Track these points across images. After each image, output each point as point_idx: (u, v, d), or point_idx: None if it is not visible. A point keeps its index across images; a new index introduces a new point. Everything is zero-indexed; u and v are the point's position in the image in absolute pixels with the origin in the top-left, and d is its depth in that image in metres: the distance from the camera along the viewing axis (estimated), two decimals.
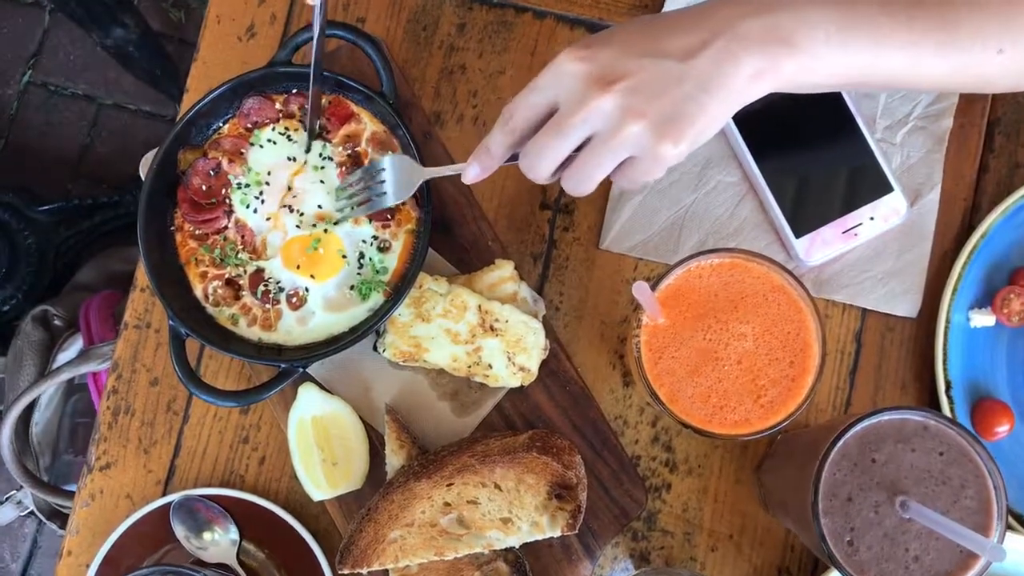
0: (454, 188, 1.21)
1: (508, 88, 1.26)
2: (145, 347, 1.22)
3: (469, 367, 1.14)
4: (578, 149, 0.89)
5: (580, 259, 1.23)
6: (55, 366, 1.88)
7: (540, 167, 0.91)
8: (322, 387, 1.16)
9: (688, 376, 0.92)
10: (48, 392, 1.89)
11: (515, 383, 1.15)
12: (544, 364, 1.17)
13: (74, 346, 1.88)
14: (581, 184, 0.91)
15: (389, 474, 1.12)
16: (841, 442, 0.88)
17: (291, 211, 1.13)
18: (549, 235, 1.24)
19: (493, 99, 1.26)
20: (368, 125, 1.15)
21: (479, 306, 1.14)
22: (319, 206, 1.12)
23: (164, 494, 1.19)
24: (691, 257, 0.93)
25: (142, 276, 1.23)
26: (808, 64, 0.83)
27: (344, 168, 1.13)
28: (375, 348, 1.15)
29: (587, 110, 0.84)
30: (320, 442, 1.12)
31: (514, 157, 0.96)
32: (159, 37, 2.46)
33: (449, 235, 1.20)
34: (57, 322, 2.01)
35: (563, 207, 1.25)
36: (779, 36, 0.82)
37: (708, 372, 0.92)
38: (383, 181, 1.09)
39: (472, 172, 0.98)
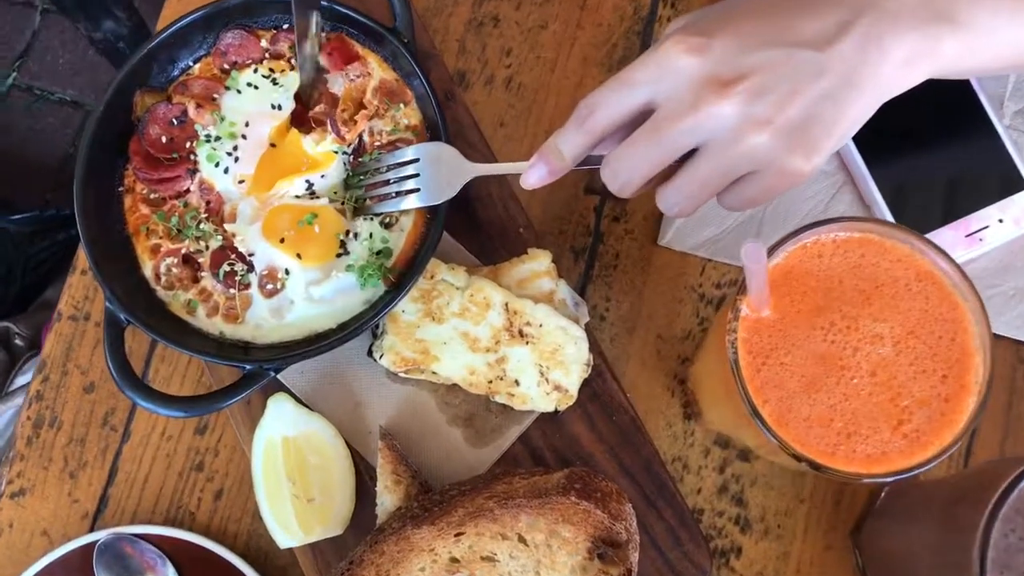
0: (480, 158, 0.96)
1: (550, 45, 1.02)
2: (81, 344, 0.97)
3: (490, 383, 0.89)
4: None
5: (633, 257, 0.98)
6: (11, 388, 1.68)
7: (628, 179, 0.72)
8: (299, 401, 0.90)
9: (803, 390, 0.66)
10: (4, 416, 1.69)
11: (548, 406, 0.89)
12: (585, 385, 0.91)
13: (35, 368, 1.67)
14: (682, 204, 0.72)
15: (380, 518, 0.86)
16: (1016, 492, 0.62)
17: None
18: (595, 226, 0.99)
19: (532, 58, 1.02)
20: (376, 71, 0.91)
21: (506, 304, 0.89)
22: (309, 181, 0.88)
23: (91, 530, 0.93)
24: (806, 229, 0.68)
25: (84, 255, 0.98)
26: (972, 43, 0.68)
27: (346, 123, 0.89)
28: (370, 353, 0.90)
29: (698, 116, 0.67)
30: (292, 471, 0.86)
31: (587, 159, 0.77)
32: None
33: (471, 218, 0.95)
34: (19, 341, 1.82)
35: None
36: (936, 10, 0.67)
37: (830, 386, 0.66)
38: (415, 175, 0.85)
39: (535, 175, 0.78)
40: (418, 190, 0.86)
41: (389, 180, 0.87)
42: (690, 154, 0.70)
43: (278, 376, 0.90)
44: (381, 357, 0.88)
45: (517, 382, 0.89)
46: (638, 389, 0.95)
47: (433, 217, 0.87)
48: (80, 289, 0.97)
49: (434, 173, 0.85)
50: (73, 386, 0.96)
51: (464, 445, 0.91)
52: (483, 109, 1.00)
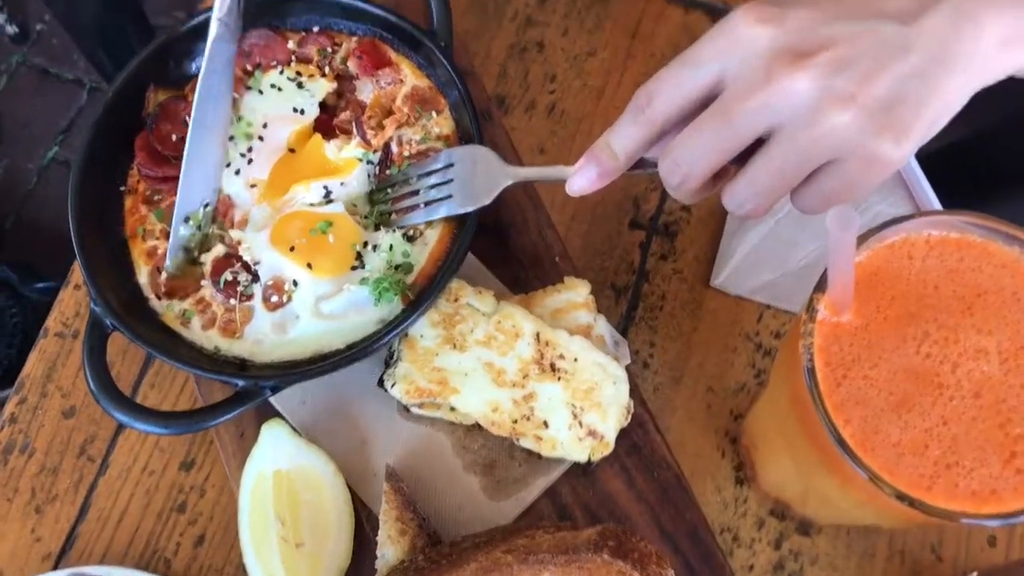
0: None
1: (597, 74, 0.95)
2: (66, 364, 0.87)
3: (515, 422, 0.77)
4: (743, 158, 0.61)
5: (682, 300, 0.88)
6: None
7: (689, 171, 0.61)
8: (296, 431, 0.79)
9: (891, 410, 0.54)
10: None
11: (580, 455, 0.78)
12: (624, 436, 0.79)
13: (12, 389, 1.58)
14: (753, 201, 0.61)
15: (380, 572, 0.74)
16: None
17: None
18: (640, 263, 0.89)
19: (577, 85, 0.95)
20: (409, 78, 0.84)
21: (537, 334, 0.79)
22: (327, 188, 0.79)
23: (54, 568, 0.81)
24: (891, 224, 0.58)
25: (79, 271, 0.90)
26: None
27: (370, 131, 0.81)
28: (381, 383, 0.80)
29: (771, 92, 0.57)
30: (282, 508, 0.75)
31: (642, 162, 0.67)
32: None
33: (503, 243, 0.86)
34: None
35: (662, 227, 0.90)
36: None
37: (925, 407, 0.54)
38: (448, 181, 0.77)
39: (583, 178, 0.68)
40: (450, 197, 0.77)
41: (419, 191, 0.78)
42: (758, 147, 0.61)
43: (276, 405, 0.80)
44: (393, 386, 0.78)
45: (546, 423, 0.78)
46: (684, 446, 0.83)
47: (461, 230, 0.78)
48: (71, 305, 0.89)
49: (469, 178, 0.77)
50: (51, 410, 0.86)
51: (481, 495, 0.79)
52: (522, 135, 0.92)
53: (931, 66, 0.57)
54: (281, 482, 0.75)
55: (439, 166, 0.78)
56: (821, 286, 0.56)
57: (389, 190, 0.80)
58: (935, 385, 0.55)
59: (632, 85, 0.95)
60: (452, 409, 0.80)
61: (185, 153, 0.77)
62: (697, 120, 0.61)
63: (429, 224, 0.80)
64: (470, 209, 0.76)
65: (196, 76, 0.84)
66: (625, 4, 0.97)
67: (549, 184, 0.77)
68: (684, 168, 0.62)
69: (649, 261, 0.89)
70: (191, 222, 0.79)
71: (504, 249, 0.86)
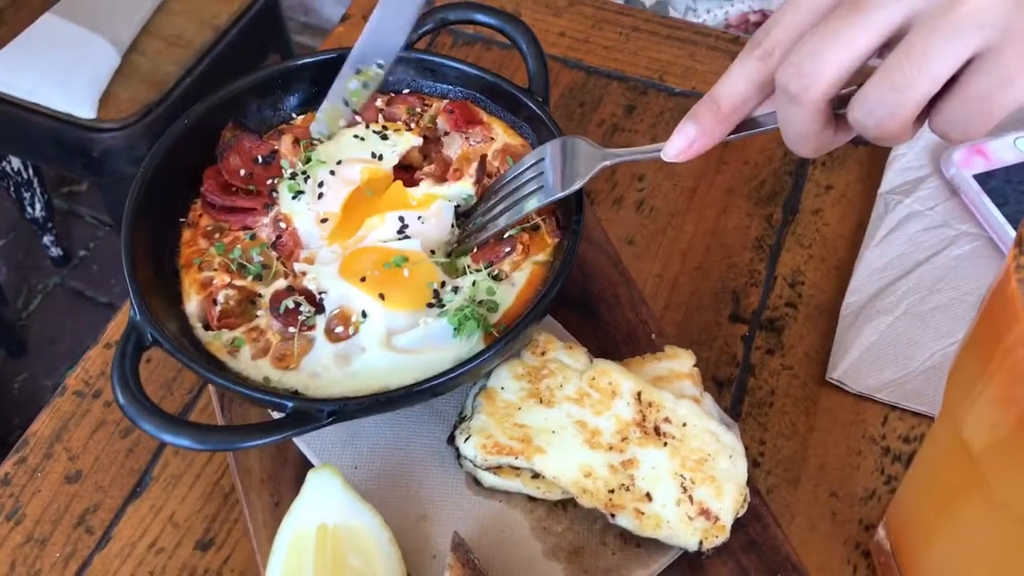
0: (604, 258, 0.80)
1: (688, 176, 0.90)
2: (80, 424, 0.75)
3: (611, 492, 0.64)
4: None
5: (794, 396, 0.77)
6: None
7: (812, 72, 0.53)
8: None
9: None
10: None
11: (689, 538, 0.63)
12: (738, 528, 0.65)
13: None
14: (886, 105, 0.52)
15: None
16: None
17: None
18: (744, 356, 0.79)
19: (668, 185, 0.90)
20: (500, 136, 0.79)
21: (638, 394, 0.67)
22: (403, 219, 0.72)
23: None
24: None
25: (115, 329, 0.80)
26: None
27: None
28: (451, 439, 0.67)
29: None
30: (322, 571, 0.60)
31: (749, 122, 0.61)
32: None
33: (592, 319, 0.77)
34: None
35: (767, 322, 0.81)
36: None
37: None
38: (540, 173, 0.71)
39: (683, 136, 0.61)
40: (541, 188, 0.69)
41: (508, 195, 0.71)
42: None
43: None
44: (467, 440, 0.65)
45: (649, 495, 0.64)
46: (807, 558, 0.68)
47: (556, 272, 0.69)
48: (98, 364, 0.78)
49: (560, 166, 0.69)
50: (53, 473, 0.72)
51: None
52: (608, 225, 0.86)
53: None
54: (325, 540, 0.61)
55: (530, 163, 0.71)
56: None
57: (473, 224, 0.73)
58: None
59: (724, 188, 0.90)
60: (534, 477, 0.66)
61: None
62: (819, 24, 0.54)
63: (517, 267, 0.71)
64: (564, 194, 0.68)
65: (276, 125, 0.80)
66: None
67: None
68: (807, 68, 0.53)
69: (754, 355, 0.79)
70: (360, 76, 0.74)
71: (593, 324, 0.77)
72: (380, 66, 0.78)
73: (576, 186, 0.68)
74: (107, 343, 0.79)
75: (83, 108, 1.74)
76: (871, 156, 0.91)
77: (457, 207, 0.74)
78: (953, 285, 0.82)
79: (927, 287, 0.82)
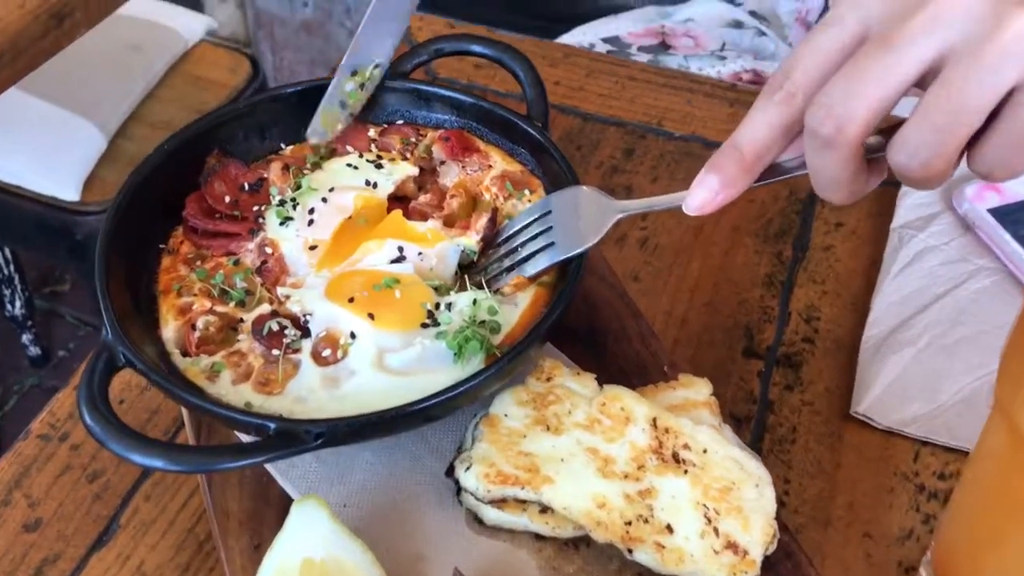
0: (608, 289, 0.76)
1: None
2: (43, 470, 0.69)
3: (628, 524, 0.58)
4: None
5: (817, 433, 0.72)
6: None
7: (845, 114, 0.50)
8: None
9: None
10: None
11: (716, 575, 0.57)
12: (768, 567, 0.59)
13: None
14: (928, 147, 0.49)
15: None
16: None
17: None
18: (762, 393, 0.74)
19: (672, 223, 0.86)
20: (499, 164, 0.75)
21: (653, 420, 0.62)
22: (401, 248, 0.68)
23: None
24: None
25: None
26: None
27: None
28: (449, 471, 0.61)
29: (935, 5, 0.48)
30: None
31: (773, 168, 0.57)
32: None
33: (599, 353, 0.72)
34: None
35: (783, 358, 0.76)
36: None
37: None
38: (547, 229, 0.66)
39: (705, 188, 0.57)
40: (552, 244, 0.65)
41: (516, 248, 0.67)
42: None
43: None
44: (468, 469, 0.60)
45: (670, 527, 0.58)
46: None
47: (560, 293, 0.64)
48: (66, 407, 0.72)
49: (571, 220, 0.65)
50: (11, 521, 0.66)
51: None
52: (612, 263, 0.81)
53: None
54: (310, 574, 0.54)
55: (536, 215, 0.67)
56: None
57: (482, 260, 0.69)
58: None
59: (730, 226, 0.86)
60: (542, 511, 0.60)
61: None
62: (850, 61, 0.51)
63: (520, 288, 0.66)
64: (577, 252, 0.64)
65: (263, 156, 0.77)
66: None
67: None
68: (839, 110, 0.49)
69: (772, 391, 0.74)
70: (357, 77, 0.71)
71: (600, 357, 0.72)
72: (378, 67, 0.75)
73: (590, 243, 0.64)
74: (76, 386, 0.73)
75: (67, 190, 1.71)
76: (880, 193, 0.86)
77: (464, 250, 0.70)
78: (978, 318, 0.78)
79: (950, 319, 0.78)
